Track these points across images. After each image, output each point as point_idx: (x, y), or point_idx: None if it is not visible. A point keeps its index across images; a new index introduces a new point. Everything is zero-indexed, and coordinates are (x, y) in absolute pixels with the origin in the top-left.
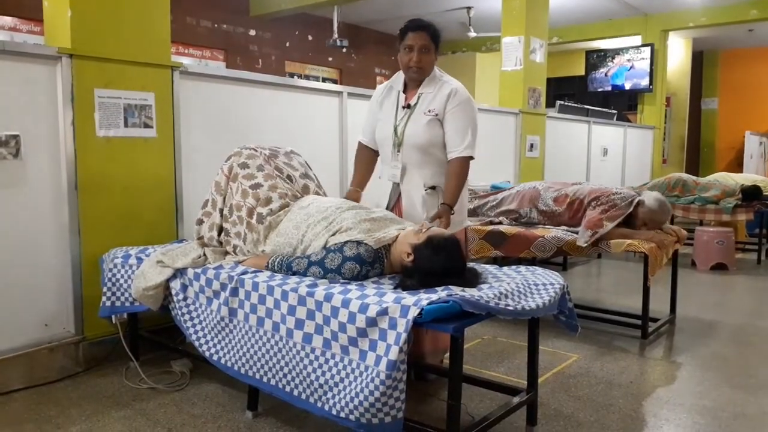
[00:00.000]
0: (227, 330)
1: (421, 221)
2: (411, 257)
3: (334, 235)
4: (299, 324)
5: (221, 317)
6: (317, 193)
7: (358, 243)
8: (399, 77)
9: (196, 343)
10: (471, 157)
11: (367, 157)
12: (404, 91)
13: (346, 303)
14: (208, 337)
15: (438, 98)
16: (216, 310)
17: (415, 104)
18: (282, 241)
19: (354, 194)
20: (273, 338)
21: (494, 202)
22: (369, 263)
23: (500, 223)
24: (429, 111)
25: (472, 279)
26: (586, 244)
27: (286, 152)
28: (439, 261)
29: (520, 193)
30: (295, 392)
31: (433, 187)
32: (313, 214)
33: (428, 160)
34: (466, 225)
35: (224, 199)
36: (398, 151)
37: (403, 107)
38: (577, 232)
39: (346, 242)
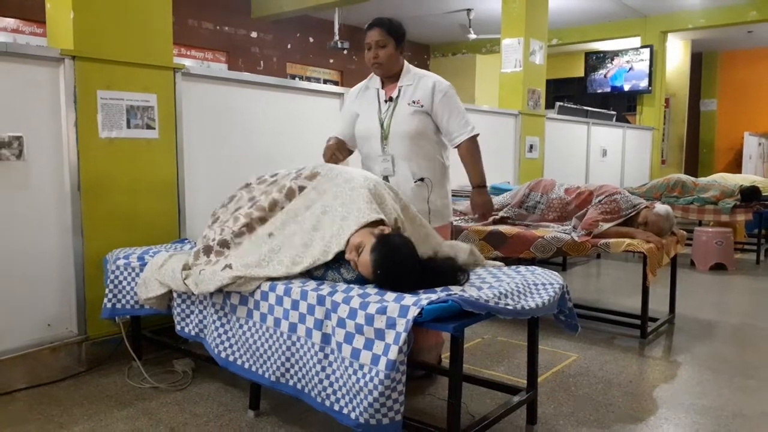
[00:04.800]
0: (227, 327)
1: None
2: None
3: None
4: (302, 318)
5: (223, 314)
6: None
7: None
8: (375, 77)
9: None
10: (477, 135)
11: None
12: (382, 88)
13: (347, 300)
14: (212, 336)
15: (420, 90)
16: (219, 307)
17: (397, 96)
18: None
19: (337, 143)
20: (275, 334)
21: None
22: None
23: (501, 222)
24: (413, 102)
25: (449, 271)
26: (578, 239)
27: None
28: (388, 275)
29: (542, 182)
30: (299, 386)
31: (421, 179)
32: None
33: (416, 152)
34: (452, 220)
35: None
36: (386, 144)
37: (386, 101)
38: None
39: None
